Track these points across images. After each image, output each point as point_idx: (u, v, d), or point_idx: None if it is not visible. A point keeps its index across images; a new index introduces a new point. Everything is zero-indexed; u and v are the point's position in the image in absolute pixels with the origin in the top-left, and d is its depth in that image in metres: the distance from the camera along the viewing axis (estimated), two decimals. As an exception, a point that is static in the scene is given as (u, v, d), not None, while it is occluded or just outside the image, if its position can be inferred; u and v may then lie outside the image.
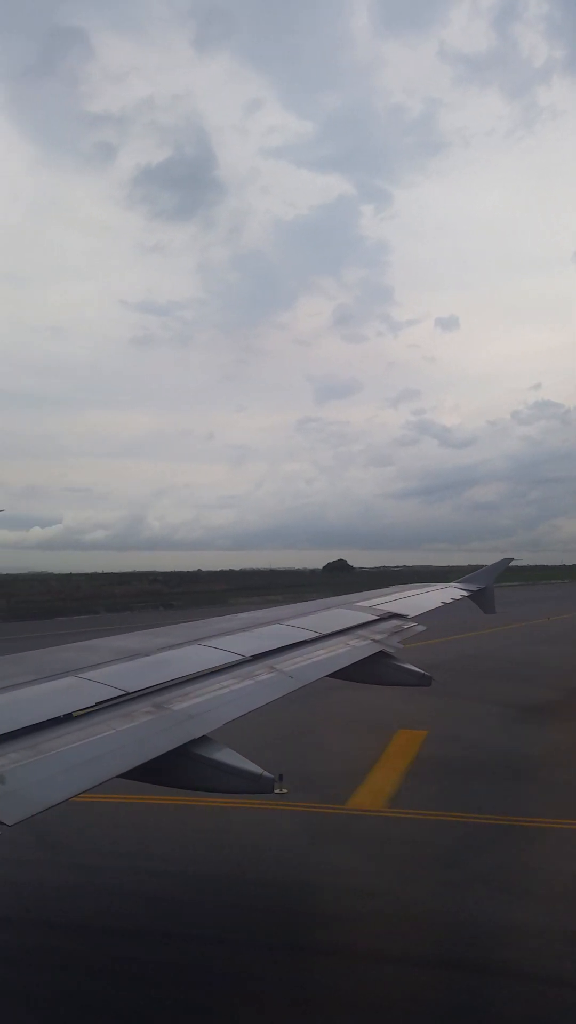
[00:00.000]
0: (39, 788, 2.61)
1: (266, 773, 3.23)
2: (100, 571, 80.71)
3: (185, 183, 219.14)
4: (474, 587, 10.55)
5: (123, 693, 3.48)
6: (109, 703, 3.37)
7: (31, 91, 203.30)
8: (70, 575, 76.24)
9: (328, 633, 5.72)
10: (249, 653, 4.59)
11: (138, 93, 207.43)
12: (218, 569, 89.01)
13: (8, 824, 2.38)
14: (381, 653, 5.71)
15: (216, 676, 4.10)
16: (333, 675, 5.02)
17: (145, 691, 3.60)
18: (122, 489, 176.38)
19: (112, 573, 78.60)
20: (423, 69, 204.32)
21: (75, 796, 2.66)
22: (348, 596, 8.47)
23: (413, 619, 7.21)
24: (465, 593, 10.15)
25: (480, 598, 10.63)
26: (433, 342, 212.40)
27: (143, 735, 3.14)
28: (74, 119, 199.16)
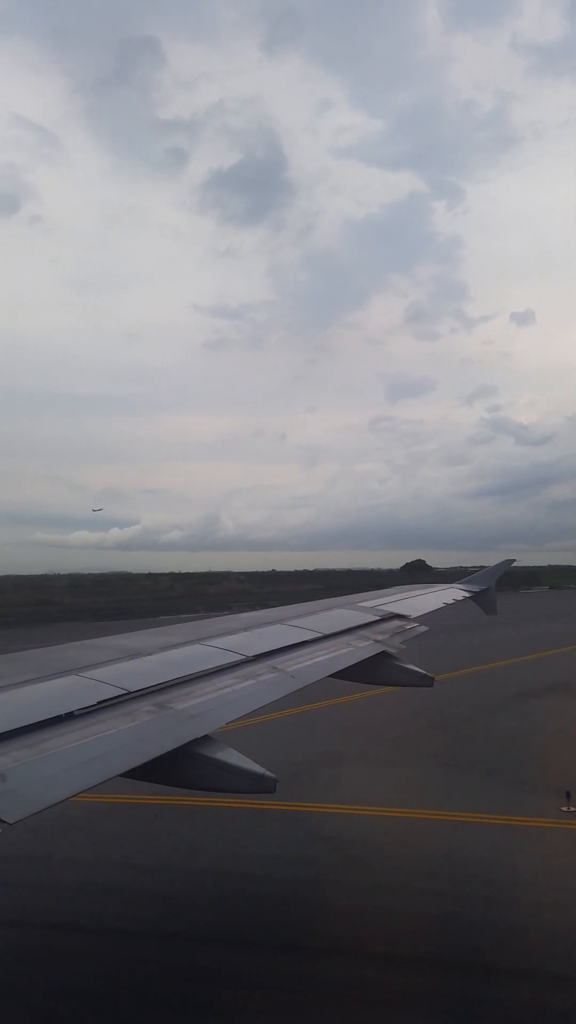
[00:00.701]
0: (40, 787, 2.60)
1: (268, 773, 3.22)
2: (177, 571, 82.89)
3: (256, 186, 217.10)
4: (476, 588, 10.51)
5: (125, 692, 3.47)
6: (111, 702, 3.36)
7: (106, 102, 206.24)
8: (150, 574, 78.62)
9: (330, 633, 5.70)
10: (251, 653, 4.57)
11: (208, 98, 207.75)
12: (292, 569, 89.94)
13: (9, 822, 2.37)
14: (383, 653, 5.69)
15: (218, 676, 4.08)
16: (335, 675, 5.01)
17: (147, 690, 3.59)
18: (197, 491, 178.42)
19: (195, 573, 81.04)
20: (494, 62, 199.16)
21: (76, 795, 2.65)
22: (351, 596, 8.45)
23: (415, 620, 7.19)
24: (467, 594, 10.11)
25: (481, 599, 10.59)
26: (508, 338, 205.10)
27: (145, 734, 3.13)
28: (146, 127, 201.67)
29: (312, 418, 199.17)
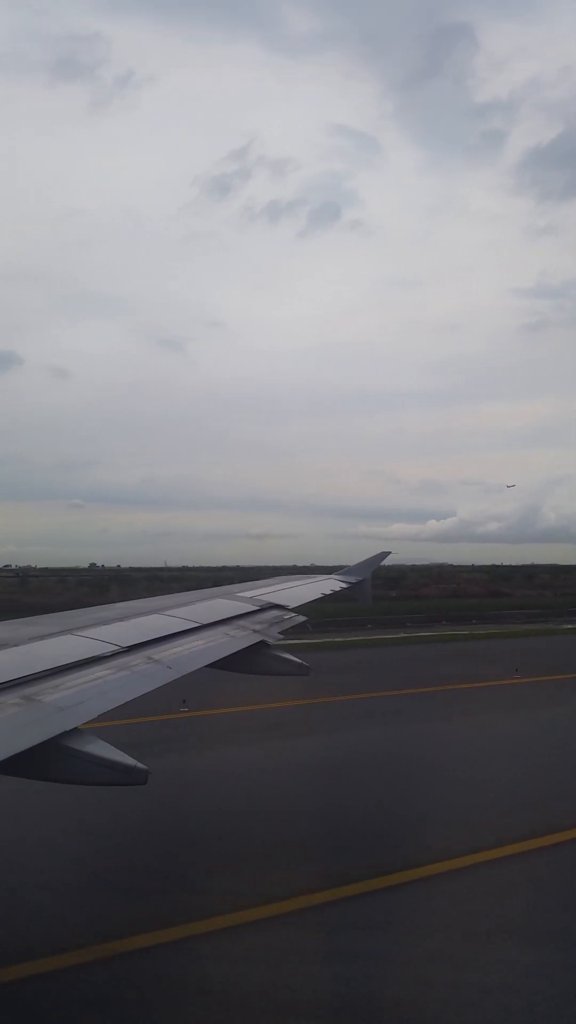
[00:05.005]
0: None
1: (139, 765, 3.16)
2: (497, 564, 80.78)
3: None
4: (352, 579, 10.80)
5: (-12, 685, 3.30)
6: (-28, 695, 3.18)
7: (418, 96, 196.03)
8: (473, 567, 76.33)
9: (208, 623, 5.67)
10: (126, 643, 4.47)
11: (524, 74, 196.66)
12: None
13: None
14: (261, 643, 5.73)
15: (90, 667, 3.97)
16: (213, 665, 4.99)
17: (13, 683, 3.43)
18: (516, 480, 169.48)
19: (523, 566, 77.51)
20: None
21: None
22: (229, 587, 8.46)
23: (293, 610, 7.29)
24: (344, 585, 10.36)
25: (357, 590, 10.89)
26: None
27: (10, 728, 2.99)
28: (461, 114, 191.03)
29: None
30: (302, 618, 7.27)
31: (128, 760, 3.14)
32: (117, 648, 4.36)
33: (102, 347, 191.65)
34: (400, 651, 23.49)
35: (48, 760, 3.06)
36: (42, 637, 4.44)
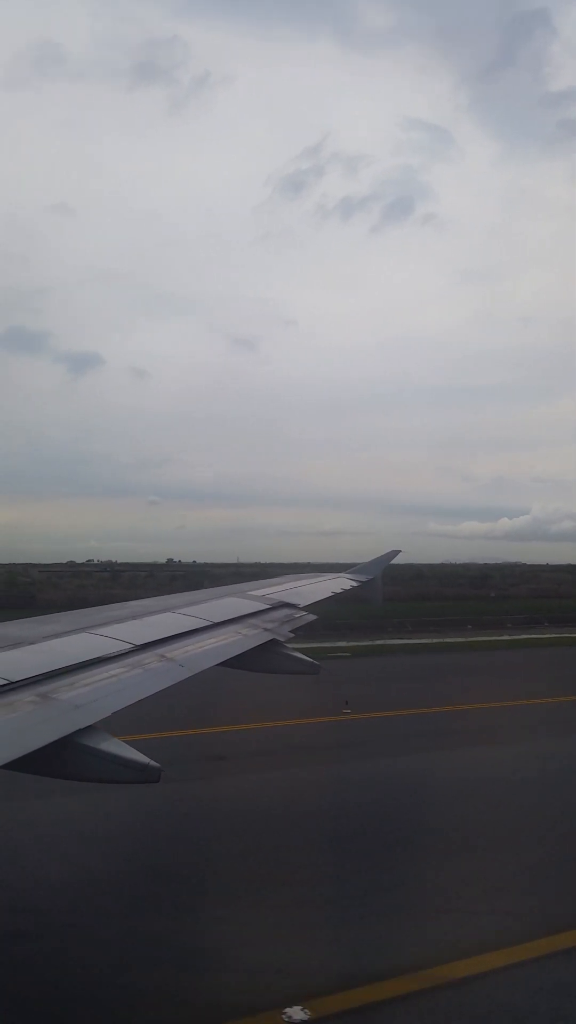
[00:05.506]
0: None
1: (153, 763, 3.20)
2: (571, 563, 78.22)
3: None
4: (363, 578, 10.82)
5: (6, 683, 3.35)
6: (-10, 693, 3.23)
7: (493, 87, 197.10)
8: (547, 565, 75.91)
9: (219, 621, 5.71)
10: (139, 641, 4.52)
11: None
12: None
13: None
14: (272, 642, 5.76)
15: (105, 665, 4.01)
16: (224, 663, 5.03)
17: (29, 680, 3.48)
18: None
19: None
20: None
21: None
22: (241, 585, 8.50)
23: (304, 608, 7.32)
24: (355, 583, 10.39)
25: (367, 589, 10.91)
26: None
27: (25, 725, 3.04)
28: (536, 104, 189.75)
29: None
30: (313, 617, 7.30)
31: (142, 758, 3.18)
32: (130, 646, 4.40)
33: (178, 347, 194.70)
34: (543, 652, 23.21)
35: (64, 758, 3.10)
36: (57, 635, 4.49)
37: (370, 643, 23.81)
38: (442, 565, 79.76)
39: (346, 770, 10.23)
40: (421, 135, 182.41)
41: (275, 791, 9.25)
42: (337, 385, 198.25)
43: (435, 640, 24.97)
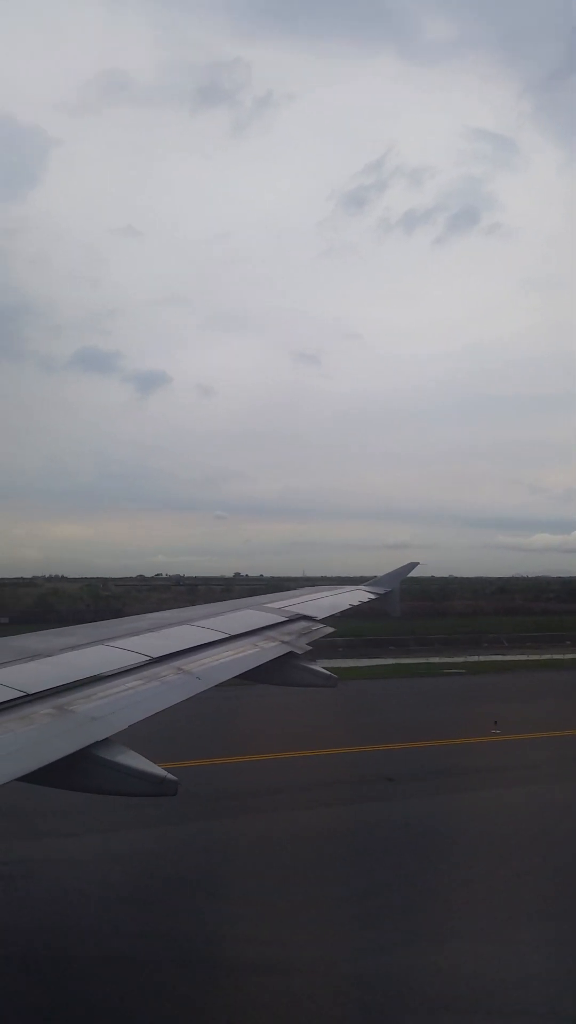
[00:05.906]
0: None
1: (170, 776, 3.18)
2: None
3: None
4: (380, 590, 10.76)
5: (23, 695, 3.35)
6: (7, 704, 3.24)
7: (557, 94, 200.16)
8: None
9: (237, 634, 5.70)
10: (156, 654, 4.51)
11: None
12: None
13: None
14: (289, 654, 5.73)
15: (122, 677, 4.01)
16: (241, 676, 5.01)
17: (46, 692, 3.48)
18: None
19: None
20: None
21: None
22: (258, 597, 8.48)
23: (321, 621, 7.29)
24: (373, 596, 10.34)
25: (385, 601, 10.85)
26: None
27: (43, 737, 3.03)
28: None
29: None
30: (330, 629, 7.26)
31: (159, 771, 3.17)
32: (147, 659, 4.40)
33: (243, 363, 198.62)
34: None
35: (81, 770, 3.10)
36: (74, 648, 4.50)
37: (478, 659, 23.48)
38: (516, 579, 78.89)
39: (537, 791, 10.23)
40: (485, 145, 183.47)
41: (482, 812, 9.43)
42: (401, 397, 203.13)
43: (543, 656, 24.46)
